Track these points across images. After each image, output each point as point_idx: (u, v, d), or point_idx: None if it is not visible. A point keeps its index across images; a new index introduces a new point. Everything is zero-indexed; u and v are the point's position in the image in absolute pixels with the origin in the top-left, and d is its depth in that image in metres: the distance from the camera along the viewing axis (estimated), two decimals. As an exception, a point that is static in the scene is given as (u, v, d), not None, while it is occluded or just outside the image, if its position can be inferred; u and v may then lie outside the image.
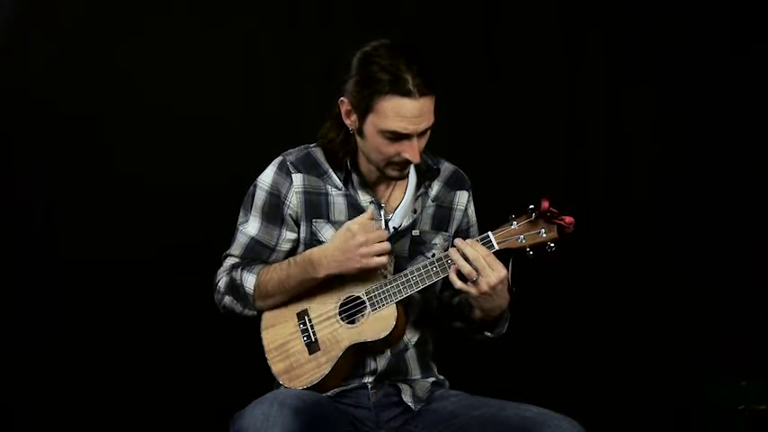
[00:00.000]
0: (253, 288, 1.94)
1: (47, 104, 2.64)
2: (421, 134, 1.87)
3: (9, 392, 2.61)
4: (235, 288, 1.97)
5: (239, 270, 1.96)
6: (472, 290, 1.81)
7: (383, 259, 1.87)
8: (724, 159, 2.94)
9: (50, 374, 2.64)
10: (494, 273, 1.80)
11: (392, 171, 1.92)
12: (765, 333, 2.88)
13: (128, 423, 2.67)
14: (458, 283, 1.82)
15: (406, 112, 1.81)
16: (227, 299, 1.99)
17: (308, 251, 1.93)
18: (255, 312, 1.98)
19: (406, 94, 1.80)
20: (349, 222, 1.89)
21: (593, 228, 2.82)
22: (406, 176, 1.98)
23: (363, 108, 1.85)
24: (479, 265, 1.80)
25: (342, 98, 1.91)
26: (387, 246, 1.87)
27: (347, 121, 1.92)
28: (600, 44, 2.97)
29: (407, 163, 1.90)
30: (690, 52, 2.94)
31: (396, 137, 1.85)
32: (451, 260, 1.83)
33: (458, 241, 1.83)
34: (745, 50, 2.95)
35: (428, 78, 1.83)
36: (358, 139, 1.94)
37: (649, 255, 2.93)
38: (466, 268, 1.80)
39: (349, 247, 1.86)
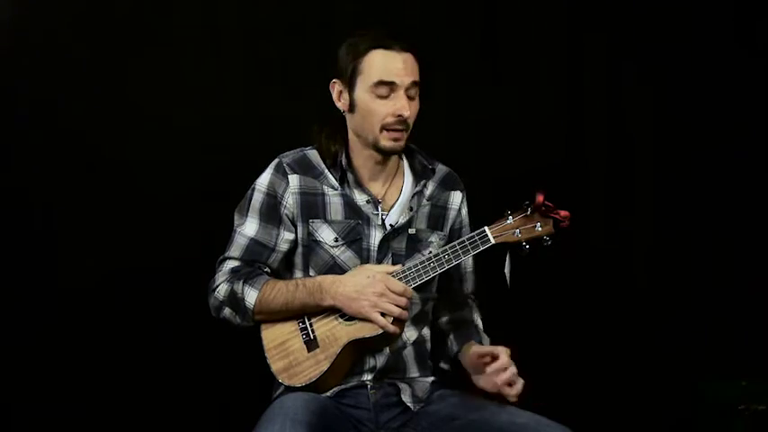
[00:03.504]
0: (254, 304, 1.94)
1: (47, 104, 2.64)
2: (410, 96, 1.93)
3: (9, 392, 2.60)
4: (235, 301, 1.97)
5: (240, 282, 1.96)
6: (512, 392, 1.88)
7: (381, 320, 1.88)
8: (724, 159, 2.94)
9: (50, 375, 2.64)
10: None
11: (387, 141, 1.95)
12: (765, 333, 2.88)
13: (128, 425, 2.67)
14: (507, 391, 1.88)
15: (390, 63, 1.91)
16: (227, 311, 2.00)
17: (321, 277, 1.95)
18: (252, 324, 1.98)
19: (389, 47, 1.91)
20: (376, 267, 1.92)
21: (591, 228, 2.84)
22: (401, 148, 1.99)
23: (351, 75, 1.93)
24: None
25: (333, 80, 1.98)
26: (395, 310, 1.88)
27: (339, 104, 1.98)
28: (600, 45, 2.97)
29: (401, 125, 1.93)
30: (691, 52, 2.94)
31: (385, 90, 1.91)
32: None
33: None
34: (747, 49, 2.95)
35: (410, 43, 1.94)
36: (350, 120, 1.98)
37: (649, 254, 2.93)
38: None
39: (365, 291, 1.88)
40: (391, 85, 1.91)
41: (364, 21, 2.77)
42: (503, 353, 1.89)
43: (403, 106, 1.91)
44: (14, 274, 2.62)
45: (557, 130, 2.97)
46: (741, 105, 2.95)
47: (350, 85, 1.95)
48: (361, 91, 1.93)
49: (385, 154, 1.98)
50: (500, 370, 1.87)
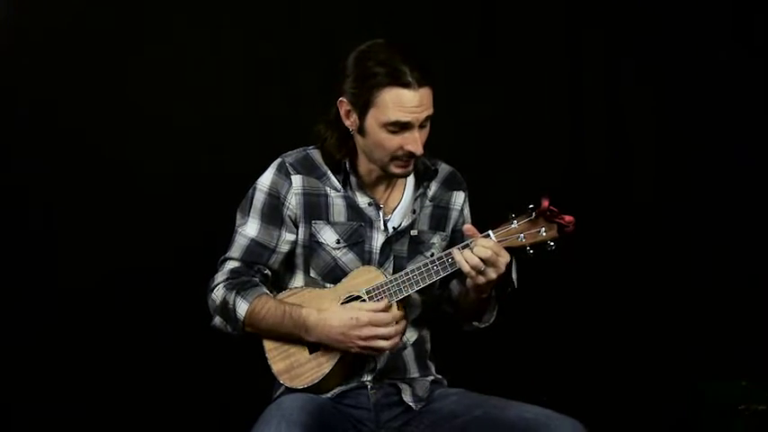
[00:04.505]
0: (244, 316, 1.92)
1: (47, 104, 2.64)
2: (422, 126, 1.88)
3: (9, 392, 2.60)
4: (226, 311, 1.95)
5: (234, 293, 1.94)
6: (481, 279, 1.82)
7: (375, 349, 1.86)
8: (724, 159, 2.94)
9: (50, 375, 2.64)
10: (502, 259, 1.82)
11: (396, 168, 1.92)
12: (765, 333, 2.88)
13: (128, 425, 2.67)
14: (473, 274, 1.82)
15: (406, 102, 1.84)
16: (218, 319, 1.99)
17: (307, 312, 1.90)
18: (243, 335, 1.96)
19: (406, 85, 1.83)
20: (360, 309, 1.87)
21: (593, 228, 2.83)
22: (410, 173, 1.98)
23: (363, 104, 1.87)
24: (492, 258, 1.81)
25: (340, 98, 1.92)
26: (385, 345, 1.86)
27: (347, 122, 1.93)
28: (600, 44, 2.97)
29: (411, 157, 1.90)
30: (689, 49, 2.94)
31: (398, 128, 1.86)
32: (454, 259, 1.83)
33: (474, 244, 1.83)
34: (745, 46, 2.95)
35: (424, 70, 1.85)
36: (359, 139, 1.94)
37: (650, 254, 2.93)
38: (474, 261, 1.81)
39: (350, 335, 1.85)
40: (406, 124, 1.86)
41: (365, 20, 2.78)
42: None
43: (415, 144, 1.87)
44: (14, 274, 2.62)
45: (555, 129, 2.97)
46: (739, 103, 2.95)
47: (360, 112, 1.89)
48: (373, 122, 1.88)
49: (394, 177, 1.98)
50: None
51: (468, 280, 1.86)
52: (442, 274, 1.89)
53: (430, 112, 1.88)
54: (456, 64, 2.86)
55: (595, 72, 2.97)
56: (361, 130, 1.91)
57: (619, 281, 2.91)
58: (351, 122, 1.93)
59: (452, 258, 1.86)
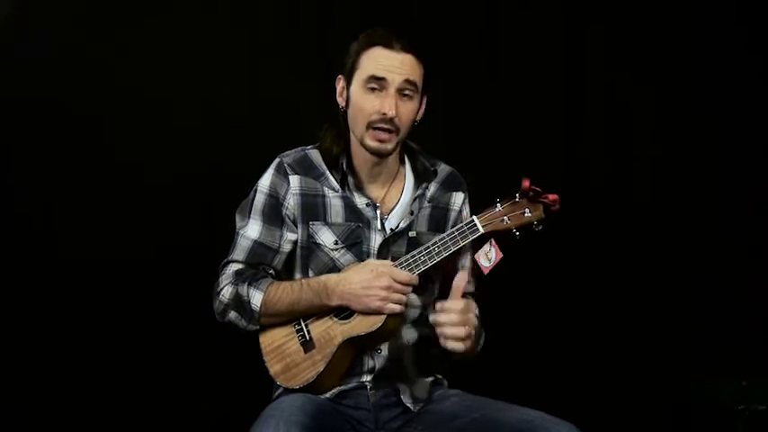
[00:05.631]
0: (260, 306, 1.93)
1: (47, 104, 2.64)
2: (404, 93, 1.91)
3: (9, 392, 2.61)
4: (240, 304, 1.95)
5: (245, 285, 1.95)
6: (460, 346, 1.83)
7: (397, 308, 1.88)
8: (724, 158, 2.94)
9: (51, 375, 2.64)
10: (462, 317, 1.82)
11: (371, 140, 1.93)
12: (765, 333, 2.88)
13: (129, 425, 2.67)
14: (450, 344, 1.82)
15: (384, 60, 1.89)
16: (233, 314, 1.98)
17: (325, 276, 1.93)
18: (258, 327, 1.97)
19: (388, 45, 1.90)
20: (377, 262, 1.91)
21: (592, 227, 2.84)
22: (387, 151, 1.96)
23: (350, 70, 1.94)
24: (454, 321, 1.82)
25: (338, 76, 1.98)
26: (403, 299, 1.89)
27: (340, 100, 1.98)
28: (599, 42, 2.97)
29: (386, 125, 1.90)
30: (690, 52, 2.94)
31: (375, 85, 1.90)
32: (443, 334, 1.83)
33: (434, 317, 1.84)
34: (747, 48, 2.95)
35: (412, 42, 1.92)
36: (348, 117, 1.97)
37: (649, 254, 2.93)
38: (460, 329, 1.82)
39: (372, 285, 1.87)
40: (382, 81, 1.89)
41: (365, 20, 2.78)
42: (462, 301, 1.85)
43: (389, 105, 1.88)
44: (14, 273, 2.62)
45: (555, 129, 2.97)
46: (740, 103, 2.95)
47: (348, 80, 1.95)
48: (356, 85, 1.93)
49: (372, 154, 1.96)
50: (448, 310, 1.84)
51: (441, 339, 1.85)
52: (429, 264, 1.90)
53: (411, 77, 1.90)
54: (456, 63, 2.86)
55: (595, 72, 2.97)
56: (348, 101, 1.96)
57: (618, 281, 2.91)
58: (342, 99, 1.97)
59: (439, 246, 1.89)
